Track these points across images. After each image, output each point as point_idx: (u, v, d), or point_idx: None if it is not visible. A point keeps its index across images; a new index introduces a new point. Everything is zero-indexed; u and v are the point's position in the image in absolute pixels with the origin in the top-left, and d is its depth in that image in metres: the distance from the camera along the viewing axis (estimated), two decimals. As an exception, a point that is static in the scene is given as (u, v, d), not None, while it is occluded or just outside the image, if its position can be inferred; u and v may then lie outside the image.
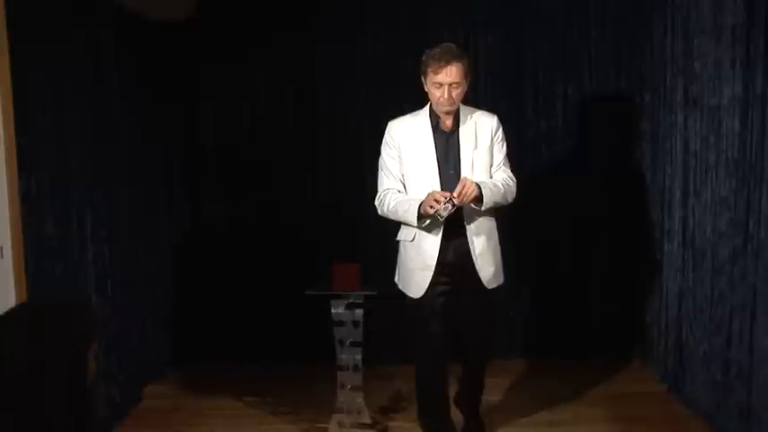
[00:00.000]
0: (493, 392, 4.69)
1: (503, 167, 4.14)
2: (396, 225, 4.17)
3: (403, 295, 4.18)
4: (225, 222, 5.84)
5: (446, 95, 3.90)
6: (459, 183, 3.83)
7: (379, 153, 4.16)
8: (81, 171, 4.34)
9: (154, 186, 5.41)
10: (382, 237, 4.56)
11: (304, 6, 5.56)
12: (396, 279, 4.26)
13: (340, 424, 4.46)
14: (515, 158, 4.42)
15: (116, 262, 4.69)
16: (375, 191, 4.19)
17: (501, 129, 4.15)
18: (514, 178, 4.16)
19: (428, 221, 3.94)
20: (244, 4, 5.56)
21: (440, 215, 3.81)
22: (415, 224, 3.95)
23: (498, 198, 4.01)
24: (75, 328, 2.06)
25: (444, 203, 3.78)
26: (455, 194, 3.79)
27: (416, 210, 3.91)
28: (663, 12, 5.14)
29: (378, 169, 4.20)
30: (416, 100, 4.17)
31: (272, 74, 5.70)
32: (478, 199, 3.91)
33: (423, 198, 3.91)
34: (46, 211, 3.92)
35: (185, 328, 5.71)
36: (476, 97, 4.89)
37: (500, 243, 4.19)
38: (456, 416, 4.39)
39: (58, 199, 4.09)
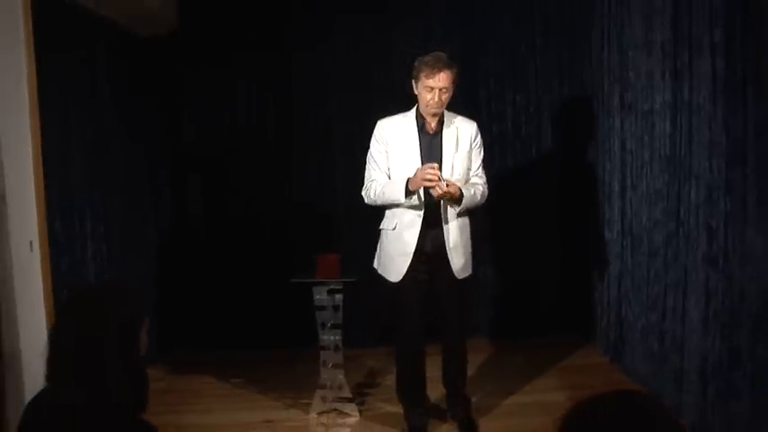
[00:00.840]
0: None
1: (479, 173, 4.45)
2: (377, 217, 4.50)
3: (376, 281, 4.51)
4: (208, 221, 6.22)
5: (436, 99, 4.18)
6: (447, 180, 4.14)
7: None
8: (81, 176, 4.73)
9: (143, 188, 5.79)
10: (354, 230, 4.96)
11: (279, 18, 5.97)
12: (375, 264, 4.53)
13: (323, 398, 4.87)
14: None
15: (111, 258, 5.07)
16: (361, 183, 4.46)
17: (480, 135, 4.49)
18: (487, 184, 4.47)
19: (414, 197, 4.21)
20: (223, 18, 5.94)
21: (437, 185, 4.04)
22: (403, 200, 4.21)
23: (471, 204, 4.32)
24: (129, 306, 2.37)
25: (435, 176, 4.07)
26: (443, 182, 4.07)
27: (404, 187, 4.18)
28: (600, 28, 5.64)
29: (366, 162, 4.44)
30: (381, 103, 4.56)
31: (251, 81, 6.10)
32: (457, 201, 4.23)
33: (409, 177, 4.19)
34: (55, 212, 4.27)
35: (173, 317, 6.05)
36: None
37: (471, 238, 4.48)
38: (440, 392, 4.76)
39: (64, 202, 4.47)
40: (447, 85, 4.19)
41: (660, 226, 4.80)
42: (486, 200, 4.51)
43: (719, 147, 4.06)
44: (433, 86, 4.16)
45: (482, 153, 4.48)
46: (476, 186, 4.37)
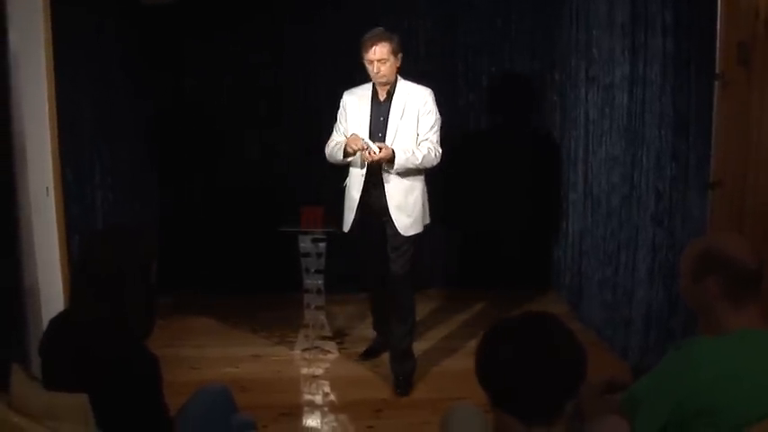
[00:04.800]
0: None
1: (429, 137, 4.58)
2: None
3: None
4: (206, 175, 6.52)
5: (375, 70, 4.49)
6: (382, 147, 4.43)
7: (334, 114, 4.77)
8: (91, 131, 5.05)
9: (146, 143, 6.11)
10: (336, 185, 5.24)
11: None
12: None
13: (306, 336, 5.30)
14: (448, 124, 4.87)
15: (117, 206, 5.40)
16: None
17: (431, 102, 4.60)
18: (439, 150, 4.58)
19: (351, 158, 4.59)
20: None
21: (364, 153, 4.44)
22: (341, 159, 4.60)
23: (410, 165, 4.51)
24: (148, 243, 2.67)
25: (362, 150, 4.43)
26: (374, 152, 4.39)
27: (343, 148, 4.55)
28: (569, 8, 5.97)
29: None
30: (363, 70, 4.60)
31: (246, 46, 6.33)
32: (390, 163, 4.46)
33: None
34: (66, 162, 4.49)
35: (171, 262, 6.13)
36: (417, 69, 5.61)
37: (425, 196, 4.70)
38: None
39: (76, 153, 4.77)
40: (383, 57, 4.47)
41: (617, 189, 5.14)
42: (460, 159, 4.90)
43: (668, 117, 4.45)
44: (371, 59, 4.48)
45: (432, 119, 4.60)
46: (420, 150, 4.54)
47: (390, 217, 4.63)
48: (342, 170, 4.84)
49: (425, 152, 4.55)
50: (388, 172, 4.57)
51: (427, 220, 4.79)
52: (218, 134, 6.48)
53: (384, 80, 4.59)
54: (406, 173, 4.59)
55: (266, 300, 6.32)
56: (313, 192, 6.07)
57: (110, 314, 2.50)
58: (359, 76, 4.81)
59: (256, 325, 5.83)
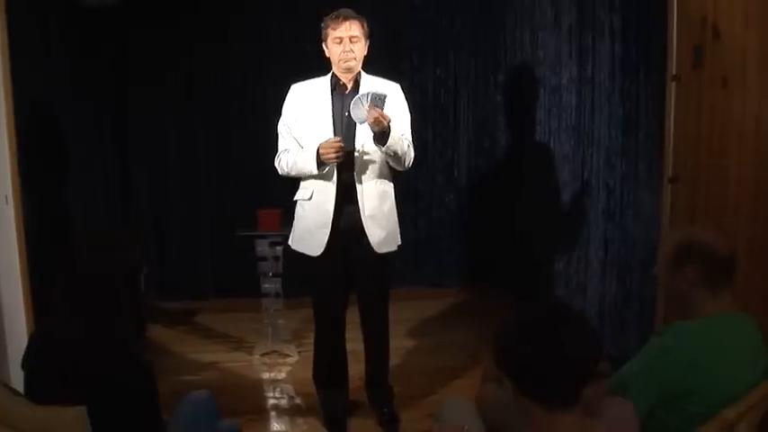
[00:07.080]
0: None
1: (406, 137, 3.93)
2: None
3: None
4: (157, 177, 6.38)
5: (347, 48, 3.76)
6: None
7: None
8: (47, 138, 4.91)
9: (89, 144, 5.91)
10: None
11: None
12: (290, 242, 4.13)
13: (265, 341, 5.26)
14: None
15: (76, 211, 5.24)
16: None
17: (403, 98, 3.97)
18: (413, 151, 4.00)
19: (327, 168, 3.80)
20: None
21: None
22: (315, 170, 3.76)
23: (399, 150, 3.78)
24: (132, 252, 2.65)
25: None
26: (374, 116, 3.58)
27: (315, 157, 3.75)
28: (513, 10, 6.09)
29: (278, 132, 4.05)
30: (312, 69, 4.18)
31: (192, 46, 6.19)
32: (384, 137, 3.69)
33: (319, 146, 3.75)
34: (24, 170, 4.26)
35: None
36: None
37: (395, 208, 4.07)
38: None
39: (35, 160, 4.57)
40: (357, 34, 3.81)
41: (567, 186, 5.28)
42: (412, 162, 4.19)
43: (617, 118, 4.62)
44: (342, 36, 3.79)
45: (406, 117, 3.98)
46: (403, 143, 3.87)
47: (363, 231, 3.91)
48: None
49: (410, 151, 3.95)
50: (367, 176, 3.89)
51: (398, 240, 4.12)
52: (168, 135, 6.38)
53: (353, 64, 3.85)
54: (380, 175, 3.92)
55: (222, 305, 6.29)
56: (269, 194, 5.91)
57: (99, 324, 2.46)
58: (306, 73, 4.30)
59: (213, 331, 5.78)
